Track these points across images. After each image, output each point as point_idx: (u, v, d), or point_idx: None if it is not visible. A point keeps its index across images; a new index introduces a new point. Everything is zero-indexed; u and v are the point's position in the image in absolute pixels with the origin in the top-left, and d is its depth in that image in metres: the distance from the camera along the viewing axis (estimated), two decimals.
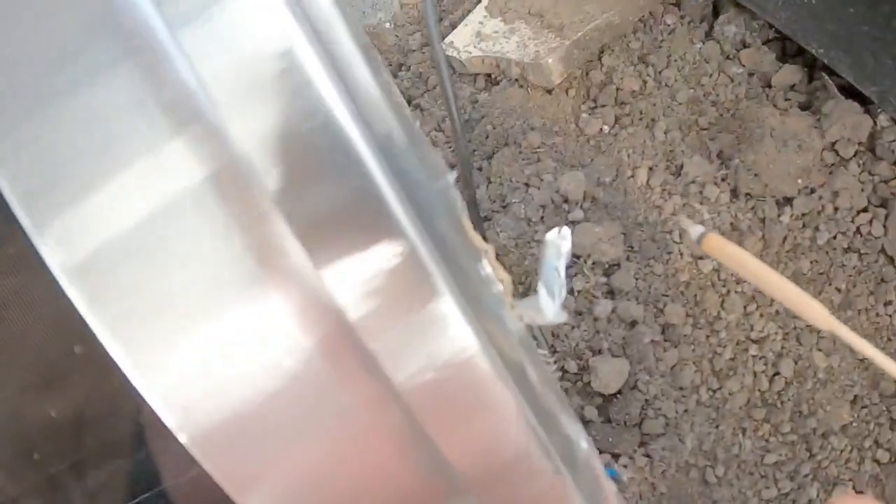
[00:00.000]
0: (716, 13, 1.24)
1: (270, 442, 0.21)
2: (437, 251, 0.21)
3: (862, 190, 1.06)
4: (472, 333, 0.21)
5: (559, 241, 0.32)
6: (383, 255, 0.20)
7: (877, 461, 0.99)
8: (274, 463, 0.21)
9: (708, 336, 1.06)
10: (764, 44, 1.18)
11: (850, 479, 0.97)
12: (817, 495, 0.96)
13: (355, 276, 0.20)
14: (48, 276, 0.32)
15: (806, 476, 0.98)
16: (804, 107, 1.14)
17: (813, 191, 1.08)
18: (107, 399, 0.32)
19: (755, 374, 1.04)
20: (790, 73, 1.15)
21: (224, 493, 0.27)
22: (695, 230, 0.49)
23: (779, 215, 1.08)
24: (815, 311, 0.46)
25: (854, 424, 1.00)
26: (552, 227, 0.42)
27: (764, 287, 0.51)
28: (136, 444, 0.31)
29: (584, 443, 0.27)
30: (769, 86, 1.16)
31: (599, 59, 1.25)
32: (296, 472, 0.21)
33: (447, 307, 0.21)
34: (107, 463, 0.32)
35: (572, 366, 1.05)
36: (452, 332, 0.21)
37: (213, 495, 0.28)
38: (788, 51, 1.19)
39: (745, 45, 1.19)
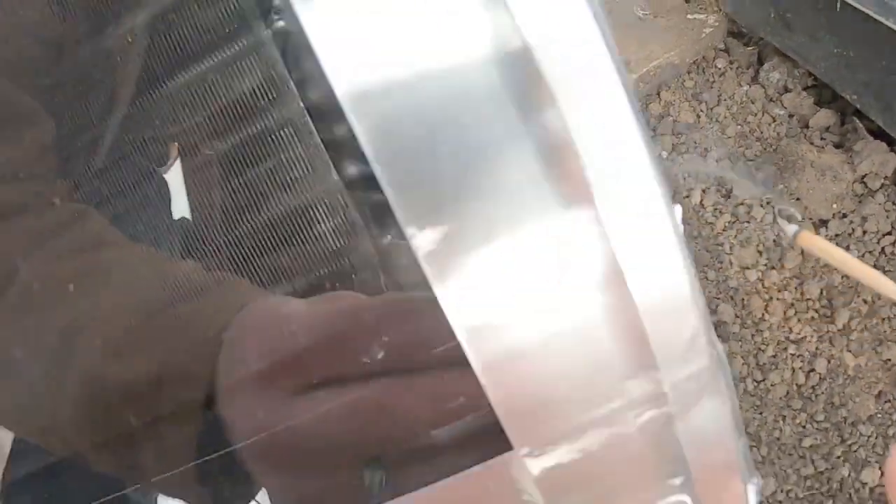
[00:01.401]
0: (761, 61, 1.42)
1: (561, 393, 0.22)
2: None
3: (887, 217, 1.24)
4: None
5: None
6: None
7: None
8: (560, 417, 0.23)
9: (753, 335, 1.22)
10: (804, 89, 1.37)
11: (875, 461, 1.12)
12: (848, 474, 1.11)
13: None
14: (130, 252, 0.36)
15: (838, 458, 1.13)
16: (837, 145, 1.32)
17: (845, 216, 1.26)
18: (181, 366, 0.32)
19: (793, 370, 1.20)
20: (826, 117, 1.34)
21: (292, 454, 0.29)
22: (790, 229, 0.67)
23: (817, 234, 1.25)
24: (890, 288, 0.64)
25: (878, 415, 1.15)
26: None
27: (846, 268, 0.69)
28: (208, 408, 0.32)
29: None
30: (807, 126, 1.34)
31: (658, 94, 1.43)
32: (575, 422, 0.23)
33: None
34: (178, 425, 0.34)
35: None
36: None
37: (281, 457, 0.30)
38: (825, 97, 1.37)
39: (786, 90, 1.38)
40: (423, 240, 0.20)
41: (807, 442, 1.14)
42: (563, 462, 0.24)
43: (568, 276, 0.21)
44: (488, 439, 0.25)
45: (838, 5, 1.17)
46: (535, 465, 0.24)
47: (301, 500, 0.31)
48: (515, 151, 0.20)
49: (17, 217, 0.37)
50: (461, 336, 0.21)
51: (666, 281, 0.21)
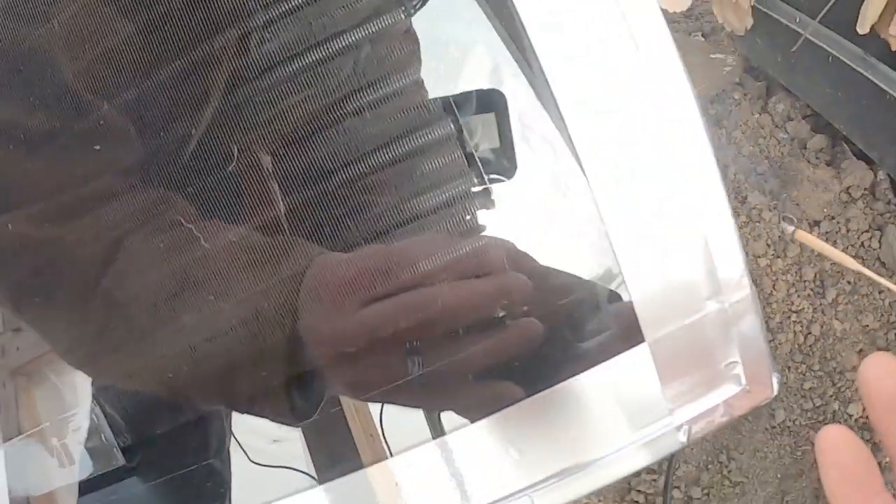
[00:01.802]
0: (769, 94, 1.81)
1: None
2: None
3: (865, 219, 1.63)
4: None
5: None
6: None
7: None
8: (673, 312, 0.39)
9: (764, 307, 1.60)
10: (803, 118, 1.75)
11: (858, 399, 1.51)
12: (838, 408, 1.50)
13: None
14: (215, 226, 0.40)
15: (830, 396, 1.52)
16: (828, 163, 1.70)
17: (833, 217, 1.64)
18: (270, 312, 0.38)
19: (795, 332, 1.58)
20: (820, 140, 1.72)
21: (362, 351, 0.38)
22: (790, 227, 1.06)
23: (811, 232, 1.64)
24: (865, 271, 1.04)
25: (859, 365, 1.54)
26: None
27: (834, 257, 1.10)
28: (291, 343, 0.39)
29: None
30: (805, 147, 1.73)
31: None
32: None
33: None
34: (268, 360, 0.39)
35: None
36: None
37: (353, 354, 0.38)
38: (819, 124, 1.76)
39: (789, 118, 1.76)
40: None
41: (806, 385, 1.53)
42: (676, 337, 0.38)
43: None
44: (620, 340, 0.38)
45: (830, 59, 1.55)
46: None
47: (364, 384, 0.40)
48: None
49: (111, 202, 0.41)
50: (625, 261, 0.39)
51: (729, 246, 0.39)
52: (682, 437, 0.42)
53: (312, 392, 0.41)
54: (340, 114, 0.40)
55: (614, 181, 0.38)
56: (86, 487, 0.43)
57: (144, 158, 0.41)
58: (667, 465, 1.27)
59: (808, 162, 1.70)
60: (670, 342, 0.38)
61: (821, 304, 1.59)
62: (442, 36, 0.47)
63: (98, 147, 0.40)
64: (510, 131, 0.45)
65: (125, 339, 0.40)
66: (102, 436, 0.41)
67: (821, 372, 1.54)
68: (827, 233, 1.63)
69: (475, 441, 0.40)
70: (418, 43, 0.45)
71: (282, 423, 0.42)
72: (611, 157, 0.38)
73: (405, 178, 0.41)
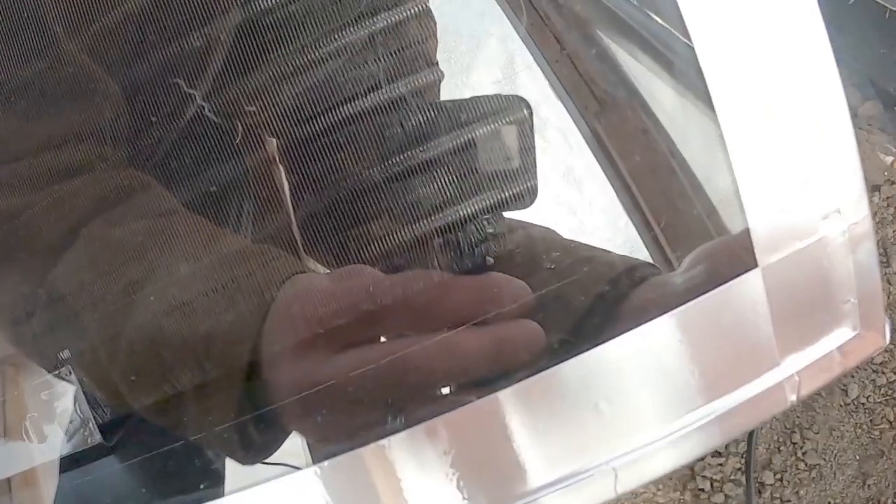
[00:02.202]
0: None
1: None
2: None
3: None
4: None
5: None
6: None
7: None
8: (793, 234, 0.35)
9: None
10: (851, 85, 1.68)
11: None
12: None
13: None
14: (189, 222, 0.36)
15: None
16: (881, 129, 1.63)
17: (893, 182, 1.57)
18: (229, 329, 0.33)
19: None
20: (871, 107, 1.65)
21: (328, 401, 0.32)
22: None
23: (871, 197, 1.57)
24: None
25: None
26: None
27: None
28: (251, 370, 0.33)
29: None
30: (856, 115, 1.66)
31: None
32: None
33: None
34: (222, 383, 0.34)
35: None
36: None
37: (318, 403, 0.32)
38: (867, 94, 1.69)
39: None
40: None
41: (877, 359, 1.46)
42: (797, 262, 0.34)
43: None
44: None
45: (887, 14, 1.48)
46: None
47: (331, 435, 0.33)
48: None
49: (80, 178, 0.38)
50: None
51: (848, 161, 0.36)
52: (791, 395, 0.36)
53: (272, 430, 0.35)
54: (355, 90, 0.37)
55: (732, 86, 0.34)
56: (65, 466, 0.40)
57: (131, 127, 0.38)
58: (745, 446, 1.19)
59: (860, 129, 1.63)
60: (784, 269, 0.33)
61: (885, 273, 1.52)
62: (452, 26, 0.44)
63: (77, 108, 0.37)
64: (534, 149, 0.37)
65: (66, 335, 0.37)
66: (78, 408, 0.37)
67: (890, 345, 1.47)
68: (888, 198, 1.56)
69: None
70: (435, 22, 0.42)
71: (233, 458, 0.36)
72: (730, 62, 0.33)
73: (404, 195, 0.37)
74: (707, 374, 0.34)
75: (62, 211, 0.37)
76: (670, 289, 0.37)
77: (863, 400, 1.43)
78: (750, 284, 0.34)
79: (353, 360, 0.32)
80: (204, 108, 0.37)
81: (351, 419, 0.33)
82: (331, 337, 0.32)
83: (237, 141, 0.38)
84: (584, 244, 0.40)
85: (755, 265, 0.33)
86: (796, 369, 0.35)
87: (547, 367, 0.32)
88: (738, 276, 0.33)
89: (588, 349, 0.33)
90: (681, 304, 0.33)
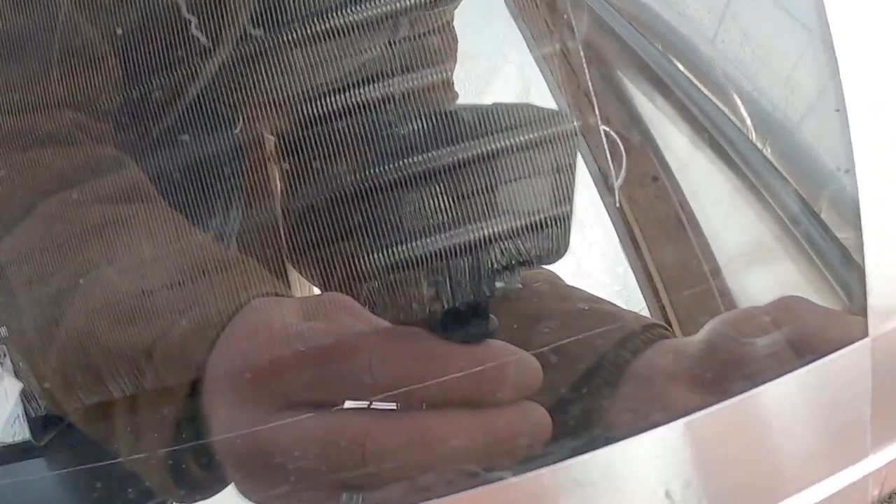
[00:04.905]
0: None
1: None
2: None
3: None
4: None
5: None
6: None
7: None
8: None
9: None
10: None
11: None
12: None
13: None
14: (158, 213, 0.33)
15: None
16: None
17: None
18: (171, 350, 0.29)
19: None
20: None
21: (265, 463, 0.25)
22: None
23: None
24: None
25: None
26: None
27: None
28: (193, 394, 0.29)
29: None
30: None
31: None
32: None
33: None
34: (160, 400, 0.30)
35: None
36: None
37: (254, 463, 0.27)
38: None
39: None
40: None
41: None
42: None
43: None
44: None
45: None
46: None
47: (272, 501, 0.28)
48: None
49: (46, 148, 0.35)
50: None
51: None
52: (875, 490, 0.29)
53: (211, 469, 0.30)
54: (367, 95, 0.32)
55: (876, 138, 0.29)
56: None
57: (126, 100, 0.35)
58: None
59: None
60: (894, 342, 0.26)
61: None
62: (471, 49, 0.42)
63: (63, 71, 0.34)
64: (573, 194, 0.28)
65: (4, 313, 0.34)
66: (6, 396, 0.33)
67: None
68: None
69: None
70: (457, 40, 0.39)
71: (164, 495, 0.31)
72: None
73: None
74: (788, 462, 0.28)
75: (25, 180, 0.34)
76: (733, 359, 0.31)
77: None
78: (856, 358, 0.28)
79: (304, 425, 0.26)
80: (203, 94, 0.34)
81: (295, 488, 0.27)
82: (284, 387, 0.26)
83: (237, 131, 0.35)
84: (596, 297, 0.36)
85: (865, 335, 0.27)
86: (885, 461, 0.29)
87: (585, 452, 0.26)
88: (843, 347, 0.27)
89: (645, 431, 0.26)
90: (757, 384, 0.27)
